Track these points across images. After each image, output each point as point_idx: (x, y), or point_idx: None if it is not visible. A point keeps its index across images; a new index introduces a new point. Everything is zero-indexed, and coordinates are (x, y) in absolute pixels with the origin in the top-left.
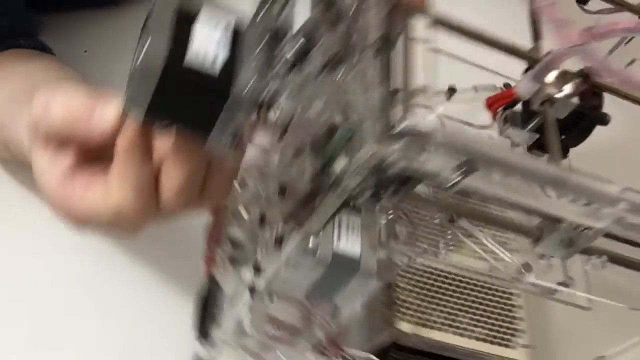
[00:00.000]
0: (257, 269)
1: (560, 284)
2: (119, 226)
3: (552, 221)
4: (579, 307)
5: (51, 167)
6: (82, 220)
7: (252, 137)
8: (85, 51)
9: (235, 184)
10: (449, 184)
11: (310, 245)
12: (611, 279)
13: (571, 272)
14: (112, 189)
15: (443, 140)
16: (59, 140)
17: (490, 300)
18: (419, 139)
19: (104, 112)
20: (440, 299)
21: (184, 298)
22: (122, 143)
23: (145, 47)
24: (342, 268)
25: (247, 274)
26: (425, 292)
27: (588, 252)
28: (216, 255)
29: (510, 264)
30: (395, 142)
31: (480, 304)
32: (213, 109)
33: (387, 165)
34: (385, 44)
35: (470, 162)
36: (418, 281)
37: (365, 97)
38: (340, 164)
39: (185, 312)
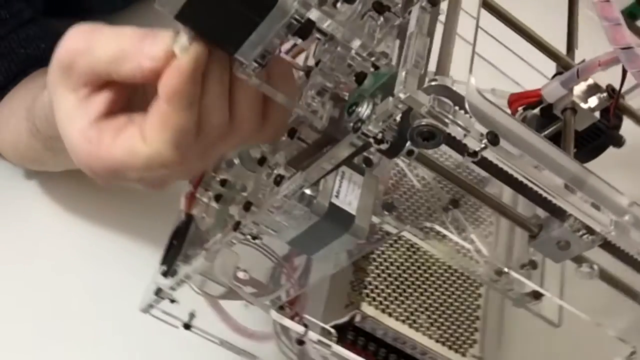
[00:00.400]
0: (247, 207)
1: (534, 294)
2: (149, 176)
3: (555, 220)
4: (549, 322)
5: (79, 110)
6: (109, 170)
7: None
8: None
9: None
10: (472, 151)
11: (309, 192)
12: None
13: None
14: (150, 135)
15: (476, 106)
16: (97, 79)
17: (453, 305)
18: (452, 98)
19: (154, 45)
20: (407, 292)
21: None
22: (165, 83)
23: None
24: (335, 221)
25: (235, 210)
26: (394, 282)
27: (579, 260)
28: (198, 194)
29: (490, 265)
30: (427, 95)
31: (443, 305)
32: (252, 19)
33: (414, 116)
34: (434, 0)
35: (494, 135)
36: (390, 270)
37: (407, 46)
38: (364, 109)
39: None
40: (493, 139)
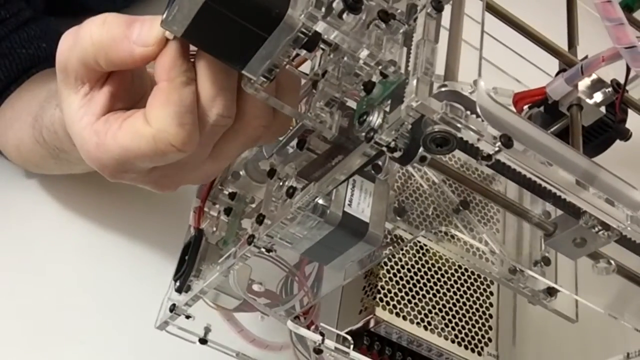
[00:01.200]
0: (260, 220)
1: (550, 290)
2: (160, 161)
3: (570, 218)
4: (567, 318)
5: (84, 108)
6: (116, 160)
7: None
8: None
9: None
10: (486, 154)
11: (322, 202)
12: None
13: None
14: (153, 116)
15: (487, 111)
16: (92, 73)
17: (466, 304)
18: (463, 103)
19: (143, 30)
20: (420, 294)
21: None
22: (163, 62)
23: None
24: (350, 230)
25: (248, 224)
26: (406, 284)
27: (595, 256)
28: (206, 208)
29: (505, 264)
30: (439, 101)
31: (456, 305)
32: (259, 35)
33: (427, 123)
34: (439, 6)
35: (508, 137)
36: (401, 273)
37: (416, 53)
38: (375, 119)
39: None
40: (507, 141)
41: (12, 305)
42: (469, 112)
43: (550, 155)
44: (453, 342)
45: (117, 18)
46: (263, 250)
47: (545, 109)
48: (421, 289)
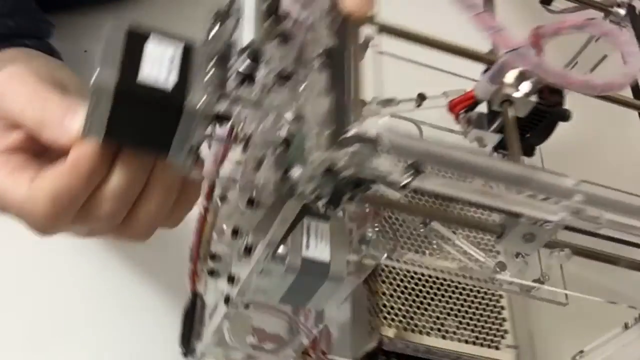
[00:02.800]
0: (231, 279)
1: (535, 281)
2: (22, 219)
3: (513, 217)
4: (557, 303)
5: None
6: None
7: (221, 152)
8: (85, 51)
9: (217, 198)
10: (401, 185)
11: (280, 251)
12: (586, 275)
13: (549, 270)
14: (38, 182)
15: (390, 143)
16: (11, 122)
17: (474, 303)
18: (367, 143)
19: (73, 122)
20: (425, 303)
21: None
22: (73, 156)
23: (98, 69)
24: (312, 273)
25: (223, 284)
26: (410, 297)
27: (551, 245)
28: (199, 270)
29: (485, 264)
30: (344, 148)
31: (464, 306)
32: (169, 125)
33: (339, 170)
34: (332, 55)
35: (417, 164)
36: (403, 286)
37: (316, 106)
38: (296, 172)
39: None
40: (417, 167)
41: (11, 305)
42: (377, 147)
43: (472, 169)
44: (467, 343)
45: (58, 101)
46: (242, 308)
47: (487, 108)
48: (425, 297)
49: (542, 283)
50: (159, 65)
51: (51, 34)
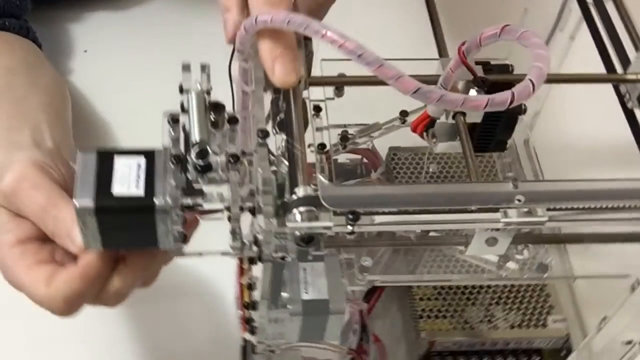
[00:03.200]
0: (252, 331)
1: (540, 267)
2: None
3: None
4: (565, 279)
5: (9, 224)
6: (15, 287)
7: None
8: (85, 51)
9: None
10: (348, 233)
11: (283, 298)
12: None
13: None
14: (55, 286)
15: (328, 201)
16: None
17: (514, 287)
18: (308, 206)
19: (78, 236)
20: (464, 298)
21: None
22: (82, 263)
23: (77, 193)
24: (314, 313)
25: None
26: (446, 295)
27: (515, 242)
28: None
29: (490, 262)
30: (289, 214)
31: (504, 291)
32: (150, 224)
33: (289, 233)
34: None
35: (355, 212)
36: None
37: (263, 179)
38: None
39: (185, 314)
40: (355, 217)
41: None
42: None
43: (406, 203)
44: (512, 327)
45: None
46: (267, 352)
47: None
48: (463, 293)
49: (547, 268)
50: (128, 176)
51: (29, 10)
